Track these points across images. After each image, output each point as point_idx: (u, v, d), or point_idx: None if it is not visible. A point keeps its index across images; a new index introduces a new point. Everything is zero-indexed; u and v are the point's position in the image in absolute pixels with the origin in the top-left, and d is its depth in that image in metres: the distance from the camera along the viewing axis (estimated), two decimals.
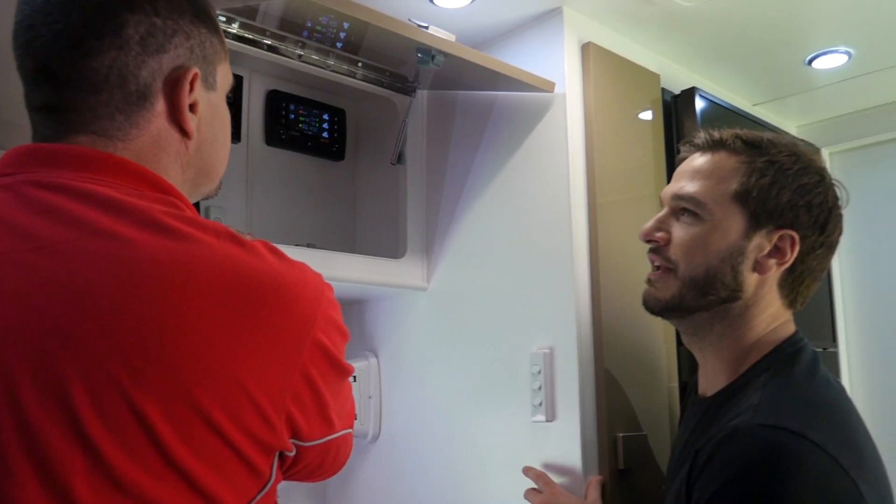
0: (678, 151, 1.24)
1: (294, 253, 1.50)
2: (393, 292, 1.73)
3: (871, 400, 2.12)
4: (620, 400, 1.42)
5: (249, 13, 1.43)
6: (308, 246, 1.60)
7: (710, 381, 1.15)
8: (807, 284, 1.11)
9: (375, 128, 1.86)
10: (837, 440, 0.93)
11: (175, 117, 0.76)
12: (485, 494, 1.52)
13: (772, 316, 1.12)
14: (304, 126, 1.80)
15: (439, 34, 1.29)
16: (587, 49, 1.52)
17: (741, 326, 1.11)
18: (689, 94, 1.67)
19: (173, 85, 0.76)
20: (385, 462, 1.74)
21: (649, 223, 1.17)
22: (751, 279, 1.09)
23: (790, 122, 2.24)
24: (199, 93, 0.78)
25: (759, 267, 1.09)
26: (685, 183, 1.14)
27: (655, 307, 1.16)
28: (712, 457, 0.95)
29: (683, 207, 1.13)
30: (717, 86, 1.93)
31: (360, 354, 1.79)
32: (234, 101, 1.68)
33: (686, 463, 1.01)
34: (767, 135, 1.15)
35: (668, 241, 1.14)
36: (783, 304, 1.12)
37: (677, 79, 1.77)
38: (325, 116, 1.84)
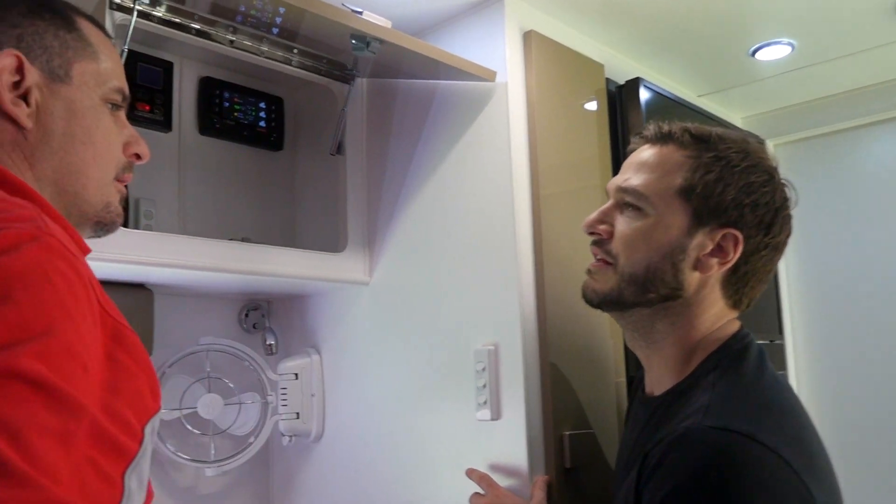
0: (625, 142, 1.21)
1: (228, 247, 1.44)
2: (334, 287, 1.67)
3: (816, 391, 2.14)
4: (567, 397, 1.39)
5: None
6: (243, 240, 1.53)
7: (657, 380, 1.13)
8: (752, 285, 1.08)
9: (315, 117, 1.79)
10: (788, 441, 0.91)
11: None
12: (432, 495, 1.48)
13: (715, 315, 1.09)
14: (239, 115, 1.73)
15: (374, 20, 1.23)
16: (529, 38, 1.48)
17: (683, 325, 1.09)
18: (634, 84, 1.65)
19: None
20: (329, 461, 1.69)
21: (593, 215, 1.14)
22: (692, 278, 1.07)
23: (735, 113, 2.24)
24: (35, 81, 0.76)
25: (700, 265, 1.06)
26: (630, 175, 1.11)
27: (594, 299, 1.13)
28: (662, 460, 0.93)
29: (627, 201, 1.11)
30: (662, 76, 1.91)
31: (302, 351, 1.73)
32: (165, 88, 1.60)
33: (635, 465, 0.99)
34: (718, 130, 1.12)
35: (610, 235, 1.12)
36: (727, 304, 1.10)
37: (622, 69, 1.74)
38: (262, 105, 1.77)
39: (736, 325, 1.11)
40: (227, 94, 1.71)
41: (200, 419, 1.57)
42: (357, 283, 1.63)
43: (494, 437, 1.38)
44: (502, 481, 1.34)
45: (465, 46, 1.51)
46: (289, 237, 1.80)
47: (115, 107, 0.84)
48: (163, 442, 1.54)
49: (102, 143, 0.81)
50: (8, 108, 0.74)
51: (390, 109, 1.66)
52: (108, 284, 1.42)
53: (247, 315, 1.77)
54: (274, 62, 1.56)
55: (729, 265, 1.05)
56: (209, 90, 1.69)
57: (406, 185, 1.60)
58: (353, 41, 1.25)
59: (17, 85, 0.75)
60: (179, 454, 1.55)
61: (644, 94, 1.65)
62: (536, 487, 1.31)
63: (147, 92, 1.56)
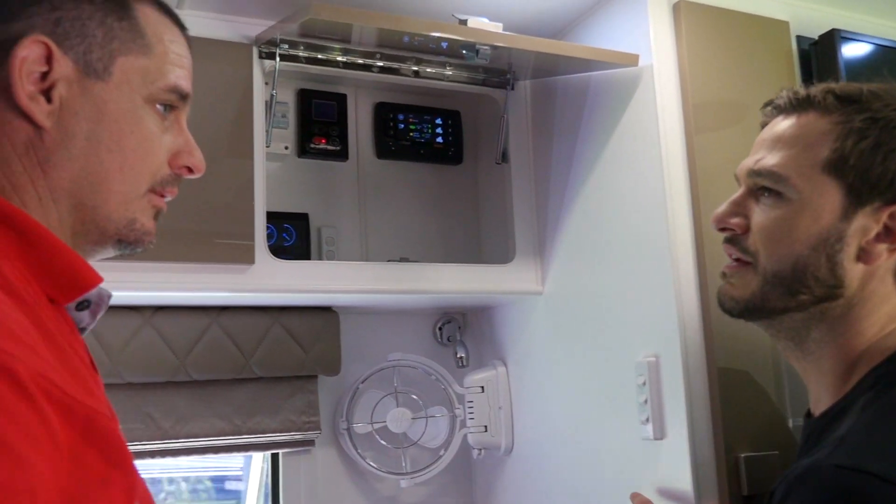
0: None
1: (386, 268, 1.48)
2: (513, 298, 1.64)
3: None
4: (743, 414, 1.22)
5: (343, 37, 1.43)
6: (401, 260, 1.57)
7: (816, 399, 0.96)
8: None
9: (488, 127, 1.78)
10: None
11: (9, 96, 0.65)
12: None
13: (888, 316, 0.90)
14: (415, 134, 1.77)
15: (481, 26, 1.19)
16: (678, 9, 1.32)
17: (845, 331, 0.90)
18: (828, 38, 1.39)
19: (6, 56, 0.65)
20: (522, 475, 1.65)
21: (722, 207, 0.99)
22: (855, 271, 0.88)
23: None
24: (65, 74, 0.67)
25: (864, 255, 0.88)
26: (763, 154, 0.95)
27: (733, 308, 0.98)
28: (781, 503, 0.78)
29: (763, 185, 0.94)
30: (882, 19, 1.57)
31: (489, 364, 1.72)
32: (340, 119, 1.69)
33: None
34: (869, 86, 0.92)
35: (746, 229, 0.96)
36: None
37: (819, 21, 1.47)
38: (438, 121, 1.80)
39: None
40: (401, 116, 1.76)
41: (392, 432, 1.63)
42: (529, 293, 1.58)
43: (660, 459, 1.25)
44: None
45: (610, 35, 1.39)
46: (474, 251, 1.81)
47: (169, 108, 0.74)
48: (359, 453, 1.62)
49: (135, 152, 0.71)
50: (23, 102, 0.65)
51: (551, 111, 1.58)
52: (292, 309, 1.56)
53: (441, 328, 1.81)
54: (432, 80, 1.57)
55: None
56: (383, 114, 1.75)
57: (569, 189, 1.52)
58: (464, 51, 1.22)
59: (44, 77, 0.66)
60: (373, 465, 1.63)
61: (846, 50, 1.39)
62: None
63: (323, 126, 1.67)
